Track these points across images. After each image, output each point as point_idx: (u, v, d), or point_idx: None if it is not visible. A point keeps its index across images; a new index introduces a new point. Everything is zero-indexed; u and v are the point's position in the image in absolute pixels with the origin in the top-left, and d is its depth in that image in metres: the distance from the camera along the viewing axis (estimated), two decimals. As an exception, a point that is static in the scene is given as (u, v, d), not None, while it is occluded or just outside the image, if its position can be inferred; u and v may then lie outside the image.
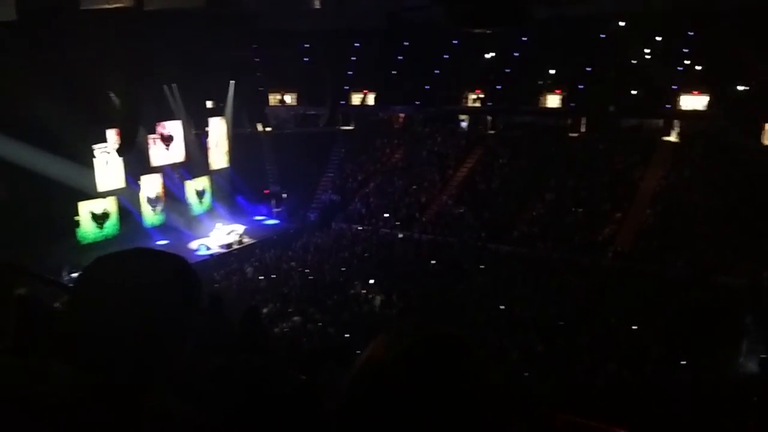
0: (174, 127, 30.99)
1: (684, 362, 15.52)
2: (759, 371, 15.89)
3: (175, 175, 31.17)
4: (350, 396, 1.02)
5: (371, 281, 22.44)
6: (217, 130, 33.87)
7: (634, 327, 17.85)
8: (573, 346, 16.66)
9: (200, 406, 1.43)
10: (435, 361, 1.00)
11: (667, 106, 31.99)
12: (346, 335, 16.91)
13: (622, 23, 31.55)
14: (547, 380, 14.47)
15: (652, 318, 18.23)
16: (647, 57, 32.02)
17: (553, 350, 16.37)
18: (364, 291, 21.83)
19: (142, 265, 1.27)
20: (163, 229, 29.78)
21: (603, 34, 32.15)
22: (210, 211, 32.23)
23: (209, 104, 34.20)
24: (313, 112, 39.39)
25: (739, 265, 22.22)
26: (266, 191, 34.21)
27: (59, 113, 21.78)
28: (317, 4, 27.34)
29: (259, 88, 37.85)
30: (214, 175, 33.54)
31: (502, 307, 19.90)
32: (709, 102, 31.12)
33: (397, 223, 30.67)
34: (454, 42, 35.31)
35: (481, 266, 24.52)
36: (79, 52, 22.03)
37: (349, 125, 38.97)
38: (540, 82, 35.19)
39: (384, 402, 0.98)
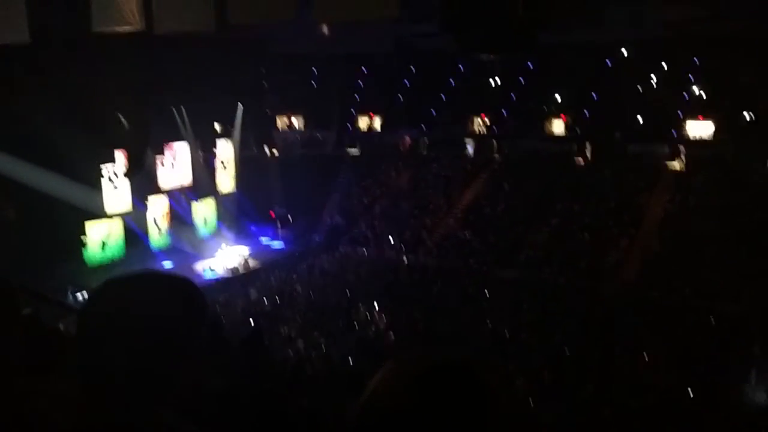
0: (182, 149, 31.22)
1: (691, 391, 15.33)
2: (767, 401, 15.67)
3: (181, 197, 31.32)
4: (360, 425, 1.00)
5: (376, 305, 22.35)
6: (225, 152, 34.11)
7: (640, 354, 17.66)
8: (579, 374, 16.50)
9: (205, 429, 1.42)
10: (446, 389, 0.99)
11: (673, 132, 32.04)
12: (350, 360, 16.79)
13: (627, 50, 31.75)
14: (553, 408, 14.31)
15: (659, 345, 18.06)
16: (652, 83, 32.15)
17: (559, 377, 16.20)
18: (369, 315, 21.72)
19: (151, 288, 1.28)
20: (168, 251, 29.84)
21: (608, 61, 32.35)
22: (216, 234, 32.30)
23: (217, 127, 34.49)
24: (319, 136, 39.61)
25: (747, 292, 22.04)
26: (272, 214, 34.29)
27: (68, 134, 21.98)
28: (325, 30, 27.58)
29: (267, 111, 38.15)
30: (221, 197, 33.70)
31: (507, 333, 19.77)
32: (715, 128, 31.16)
33: (402, 246, 30.63)
34: (460, 67, 35.59)
35: (486, 291, 24.40)
36: (89, 74, 22.30)
37: (355, 148, 39.16)
38: (545, 108, 35.34)
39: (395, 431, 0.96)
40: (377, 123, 39.63)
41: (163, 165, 30.34)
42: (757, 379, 16.67)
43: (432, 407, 0.96)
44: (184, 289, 1.31)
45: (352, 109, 39.37)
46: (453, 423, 0.95)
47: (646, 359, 17.45)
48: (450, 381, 1.00)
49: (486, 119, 36.98)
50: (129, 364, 1.18)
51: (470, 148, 37.80)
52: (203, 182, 32.59)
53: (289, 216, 33.86)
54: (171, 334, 1.23)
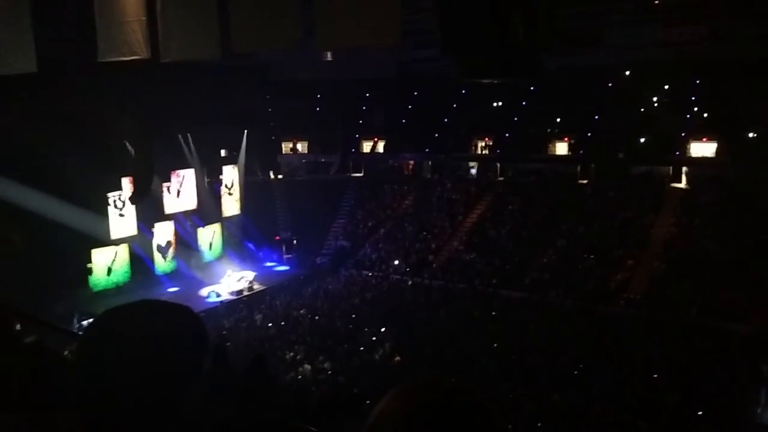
0: (187, 176, 31.42)
1: (700, 412, 15.16)
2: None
3: (187, 223, 31.44)
4: None
5: (382, 328, 22.24)
6: (230, 177, 34.31)
7: (648, 376, 17.50)
8: (587, 396, 16.34)
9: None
10: (445, 418, 1.00)
11: (676, 153, 32.08)
12: (356, 384, 16.67)
13: (629, 71, 31.94)
14: (561, 430, 14.17)
15: (667, 366, 17.90)
16: (655, 105, 32.27)
17: (567, 400, 16.05)
18: (375, 338, 21.62)
19: (149, 317, 1.30)
20: (174, 276, 29.88)
21: (610, 82, 32.52)
22: (221, 258, 32.34)
23: (223, 153, 34.75)
24: (324, 160, 39.85)
25: (754, 312, 21.88)
26: (277, 238, 34.36)
27: (75, 162, 22.21)
28: (329, 57, 27.93)
29: (272, 137, 38.44)
30: (226, 222, 33.80)
31: (514, 356, 19.62)
32: (718, 148, 31.19)
33: (407, 269, 30.59)
34: (462, 91, 35.83)
35: (493, 313, 24.29)
36: (95, 103, 22.54)
37: (359, 172, 39.33)
38: (548, 130, 35.47)
39: None
40: (381, 147, 39.87)
41: (169, 191, 30.52)
42: (766, 399, 16.48)
43: None
44: (182, 317, 1.32)
45: (356, 134, 39.63)
46: None
47: (655, 380, 17.29)
48: (454, 409, 1.01)
49: (489, 141, 37.15)
50: (128, 395, 1.19)
51: (474, 171, 37.94)
52: (209, 208, 32.73)
53: (294, 239, 33.91)
54: (170, 363, 1.24)
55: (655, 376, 17.51)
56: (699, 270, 25.27)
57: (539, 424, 14.51)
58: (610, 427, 14.54)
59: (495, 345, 20.67)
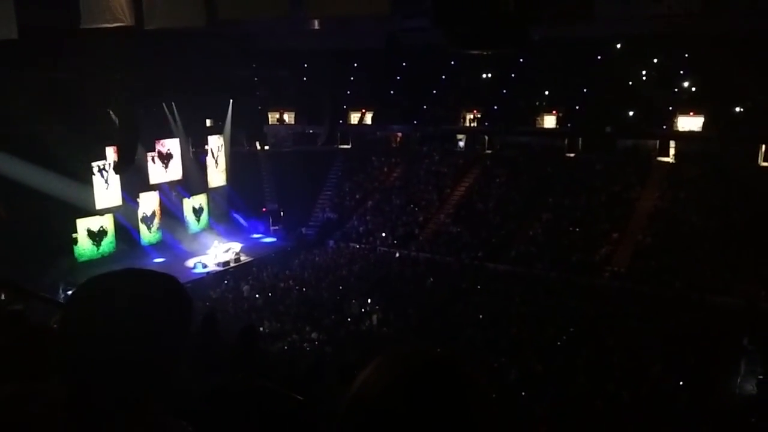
0: (172, 145, 31.11)
1: (682, 383, 15.46)
2: (757, 392, 15.82)
3: (172, 193, 31.23)
4: (346, 422, 1.02)
5: (368, 300, 22.38)
6: (216, 148, 34.02)
7: (631, 347, 17.78)
8: (571, 367, 16.59)
9: (197, 426, 1.42)
10: (429, 387, 1.00)
11: (663, 126, 32.16)
12: (342, 353, 16.81)
13: (618, 45, 31.82)
14: (544, 401, 14.40)
15: (650, 338, 18.19)
16: (643, 78, 32.25)
17: (551, 370, 16.30)
18: (362, 309, 21.75)
19: (133, 285, 1.28)
20: (159, 247, 29.78)
21: (599, 55, 32.40)
22: (207, 229, 32.25)
23: (208, 122, 34.38)
24: (311, 131, 39.57)
25: (736, 285, 22.22)
26: (264, 209, 34.26)
27: (58, 131, 21.92)
28: (316, 25, 27.51)
29: (258, 107, 38.03)
30: (212, 193, 33.62)
31: (499, 327, 19.84)
32: (705, 123, 31.30)
33: (394, 241, 30.67)
34: (451, 63, 35.57)
35: (479, 285, 24.49)
36: (78, 71, 22.17)
37: (347, 144, 39.13)
38: (536, 103, 35.38)
39: (379, 429, 0.98)
40: (369, 118, 39.61)
41: (153, 161, 30.24)
42: (746, 370, 16.85)
43: (416, 405, 0.98)
44: (166, 286, 1.31)
45: (343, 104, 39.31)
46: (439, 418, 0.97)
47: (638, 351, 17.57)
48: (437, 377, 1.01)
49: (477, 114, 37.02)
50: (113, 362, 1.18)
51: (462, 143, 37.87)
52: (194, 178, 32.50)
53: (281, 211, 33.84)
54: (154, 330, 1.23)
55: (638, 347, 17.78)
56: (683, 243, 25.55)
57: (523, 393, 14.73)
58: (593, 397, 14.79)
59: (481, 316, 20.88)
